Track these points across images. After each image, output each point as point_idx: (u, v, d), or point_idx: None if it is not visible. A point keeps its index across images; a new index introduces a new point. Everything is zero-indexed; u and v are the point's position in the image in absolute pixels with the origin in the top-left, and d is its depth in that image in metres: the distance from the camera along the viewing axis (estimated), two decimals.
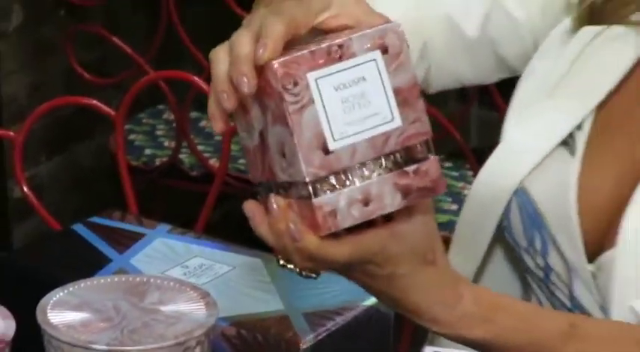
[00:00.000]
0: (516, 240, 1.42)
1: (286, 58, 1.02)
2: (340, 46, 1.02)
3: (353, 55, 1.02)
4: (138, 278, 1.16)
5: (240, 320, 1.22)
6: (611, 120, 1.38)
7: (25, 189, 1.86)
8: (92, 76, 2.71)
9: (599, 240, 1.35)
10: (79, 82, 2.74)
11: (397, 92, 1.03)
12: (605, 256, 1.33)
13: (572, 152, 1.38)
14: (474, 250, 1.45)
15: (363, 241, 1.06)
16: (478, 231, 1.44)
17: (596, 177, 1.37)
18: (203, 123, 2.79)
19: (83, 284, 1.13)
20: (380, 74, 1.02)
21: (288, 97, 1.01)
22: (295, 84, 1.01)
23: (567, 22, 1.41)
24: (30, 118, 1.86)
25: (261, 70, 1.03)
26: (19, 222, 2.77)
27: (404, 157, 1.04)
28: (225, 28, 3.05)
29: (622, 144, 1.38)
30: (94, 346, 1.04)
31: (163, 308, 1.10)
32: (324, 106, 1.01)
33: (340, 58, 1.02)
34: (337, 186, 1.03)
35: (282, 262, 1.13)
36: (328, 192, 1.03)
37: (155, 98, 2.74)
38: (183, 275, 1.28)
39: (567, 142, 1.39)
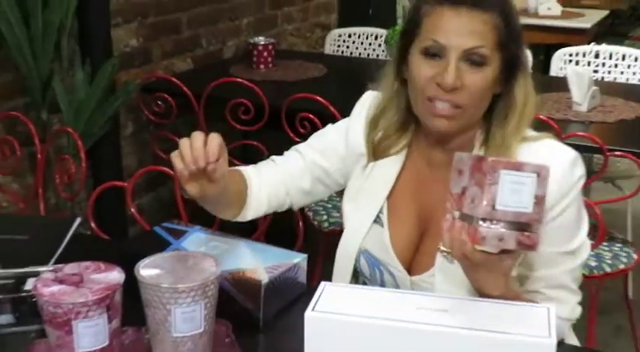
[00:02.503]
0: (365, 275, 1.36)
1: (495, 158, 0.99)
2: (521, 165, 0.99)
3: (524, 171, 0.99)
4: (183, 253, 1.14)
5: (232, 271, 1.20)
6: (396, 205, 1.33)
7: (133, 210, 1.83)
8: (167, 156, 2.67)
9: (410, 263, 1.32)
10: (160, 160, 2.70)
11: (535, 197, 0.99)
12: (419, 276, 1.30)
13: (382, 225, 1.33)
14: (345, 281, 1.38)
15: (489, 257, 1.04)
16: (344, 272, 1.37)
17: (398, 233, 1.32)
18: None
19: (157, 256, 1.11)
20: (532, 185, 0.99)
21: (488, 177, 0.98)
22: (494, 172, 0.98)
23: (363, 160, 1.36)
24: (134, 176, 1.83)
25: (480, 159, 1.00)
26: (131, 226, 2.73)
27: (527, 226, 1.00)
28: (230, 137, 3.01)
29: (406, 214, 1.33)
30: (162, 285, 1.02)
31: (195, 267, 1.08)
32: (501, 188, 0.98)
33: (519, 170, 0.99)
34: (491, 226, 0.99)
35: (443, 250, 1.10)
36: (486, 227, 0.99)
37: None
38: (206, 249, 1.26)
39: (378, 221, 1.34)
